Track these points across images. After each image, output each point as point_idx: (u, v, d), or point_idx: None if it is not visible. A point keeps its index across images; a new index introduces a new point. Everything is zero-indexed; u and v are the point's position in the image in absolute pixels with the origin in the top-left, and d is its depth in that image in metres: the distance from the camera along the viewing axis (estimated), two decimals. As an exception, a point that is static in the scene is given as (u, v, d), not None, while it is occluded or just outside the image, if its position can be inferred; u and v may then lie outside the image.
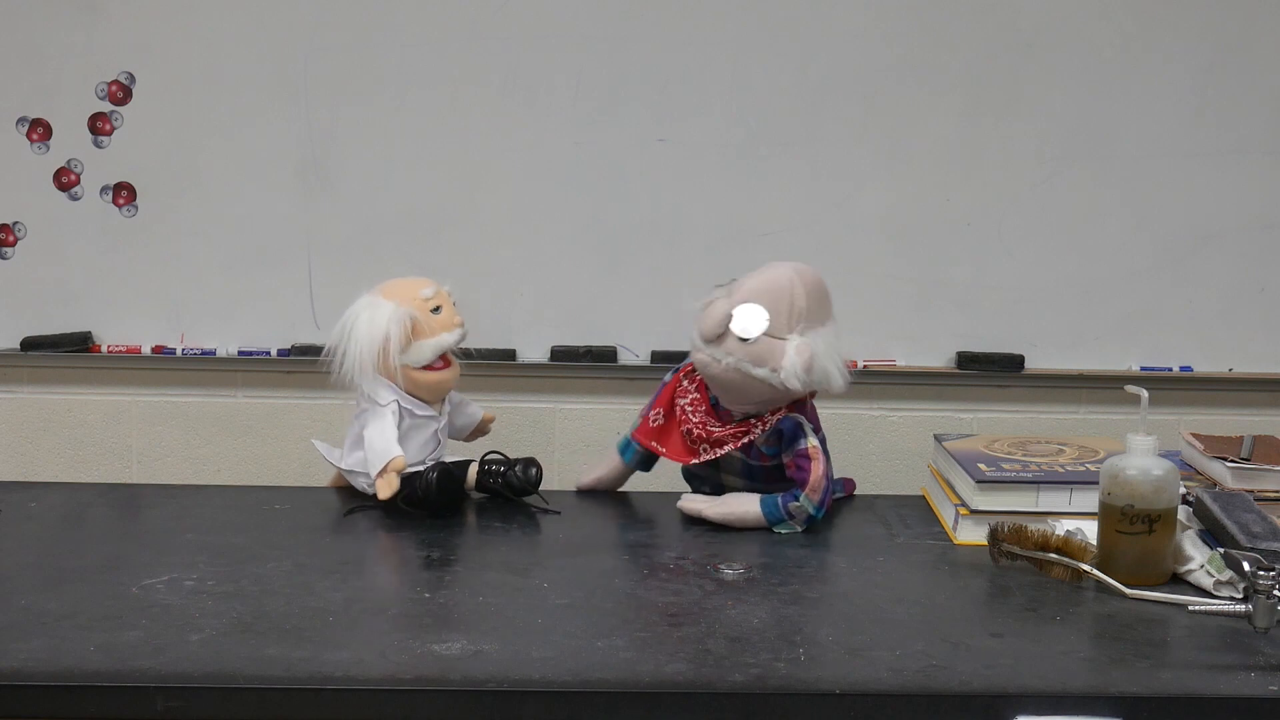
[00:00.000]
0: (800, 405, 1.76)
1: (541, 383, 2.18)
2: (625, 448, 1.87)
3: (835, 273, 2.10)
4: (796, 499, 1.71)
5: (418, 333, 1.77)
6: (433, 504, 1.74)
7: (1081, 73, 2.10)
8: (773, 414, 1.73)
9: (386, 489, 1.74)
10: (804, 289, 1.70)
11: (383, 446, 1.76)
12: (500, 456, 1.82)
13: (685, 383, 1.80)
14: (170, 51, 2.09)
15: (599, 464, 1.91)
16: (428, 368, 1.79)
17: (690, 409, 1.78)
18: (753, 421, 1.74)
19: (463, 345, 1.84)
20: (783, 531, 1.72)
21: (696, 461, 1.77)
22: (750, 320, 1.68)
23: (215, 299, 2.15)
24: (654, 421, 1.82)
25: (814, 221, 2.13)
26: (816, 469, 1.71)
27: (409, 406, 1.79)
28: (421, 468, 1.78)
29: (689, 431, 1.77)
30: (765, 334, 1.68)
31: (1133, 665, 1.31)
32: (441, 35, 2.09)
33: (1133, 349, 2.17)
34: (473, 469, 1.83)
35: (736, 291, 1.70)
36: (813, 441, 1.73)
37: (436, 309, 1.79)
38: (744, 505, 1.73)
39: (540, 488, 1.82)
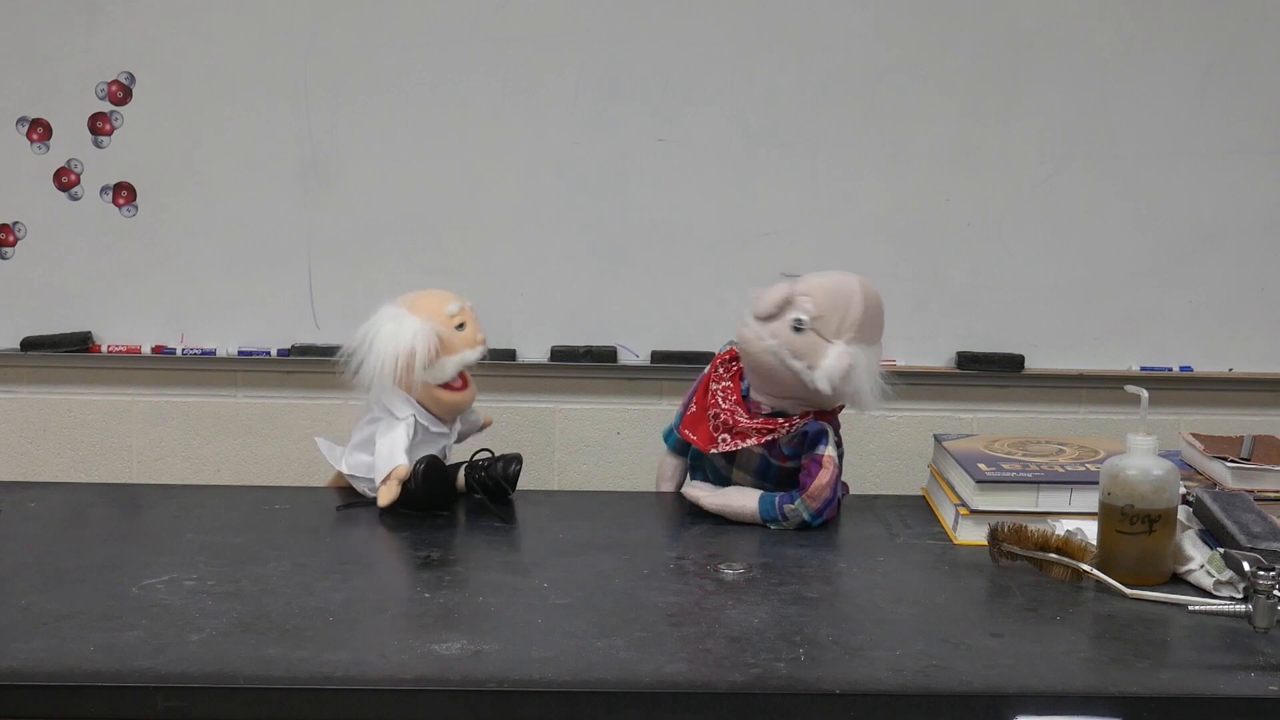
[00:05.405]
0: (829, 416, 1.75)
1: (541, 383, 2.18)
2: (668, 436, 1.86)
3: (835, 273, 2.13)
4: (793, 502, 1.70)
5: (443, 349, 1.77)
6: (420, 496, 1.74)
7: (1081, 73, 2.10)
8: (802, 417, 1.72)
9: (387, 496, 1.74)
10: (863, 302, 1.69)
11: (389, 454, 1.76)
12: (489, 453, 1.83)
13: (720, 370, 1.78)
14: (170, 51, 2.09)
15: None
16: (448, 386, 1.79)
17: (722, 395, 1.76)
18: (780, 420, 1.72)
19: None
20: (772, 527, 1.72)
21: (715, 450, 1.75)
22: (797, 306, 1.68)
23: (215, 299, 2.15)
24: (690, 409, 1.80)
25: (814, 221, 2.13)
26: (823, 477, 1.70)
27: (425, 422, 1.80)
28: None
29: (715, 415, 1.75)
30: (813, 330, 1.68)
31: (1133, 665, 1.31)
32: (441, 35, 2.09)
33: (1133, 349, 2.17)
34: (463, 471, 1.83)
35: (801, 282, 1.70)
36: (830, 451, 1.72)
37: (460, 325, 1.80)
38: (742, 499, 1.73)
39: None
